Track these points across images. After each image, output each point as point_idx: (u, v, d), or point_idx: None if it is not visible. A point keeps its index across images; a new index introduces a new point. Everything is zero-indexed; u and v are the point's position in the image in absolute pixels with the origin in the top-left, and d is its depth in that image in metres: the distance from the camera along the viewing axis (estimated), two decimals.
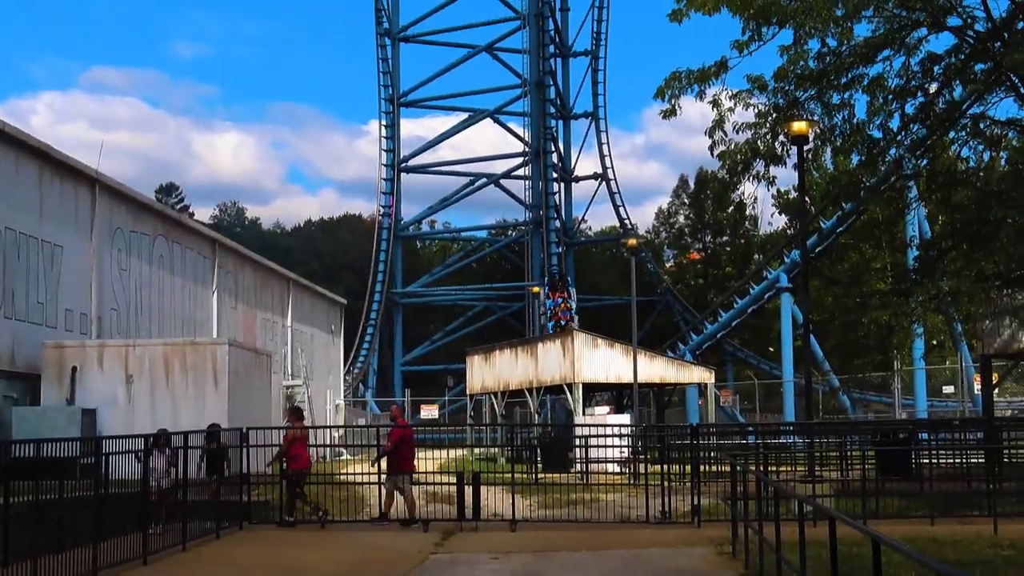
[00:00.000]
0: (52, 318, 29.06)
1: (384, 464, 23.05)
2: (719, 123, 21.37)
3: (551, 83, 72.90)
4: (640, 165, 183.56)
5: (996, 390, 36.26)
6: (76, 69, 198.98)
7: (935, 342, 63.39)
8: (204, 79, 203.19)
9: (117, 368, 27.96)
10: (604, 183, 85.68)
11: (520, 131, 76.94)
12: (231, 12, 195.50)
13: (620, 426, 35.69)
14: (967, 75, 21.15)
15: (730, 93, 21.43)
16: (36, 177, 28.74)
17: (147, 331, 33.94)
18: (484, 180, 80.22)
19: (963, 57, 21.11)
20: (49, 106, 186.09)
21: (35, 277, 28.35)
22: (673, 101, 21.12)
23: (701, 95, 20.99)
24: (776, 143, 22.18)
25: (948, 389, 57.07)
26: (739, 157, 21.60)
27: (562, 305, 60.42)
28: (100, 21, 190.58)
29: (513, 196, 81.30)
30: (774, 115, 21.69)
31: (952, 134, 22.15)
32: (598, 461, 30.29)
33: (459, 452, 37.74)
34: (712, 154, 21.73)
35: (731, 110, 21.25)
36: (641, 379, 41.80)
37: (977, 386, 42.37)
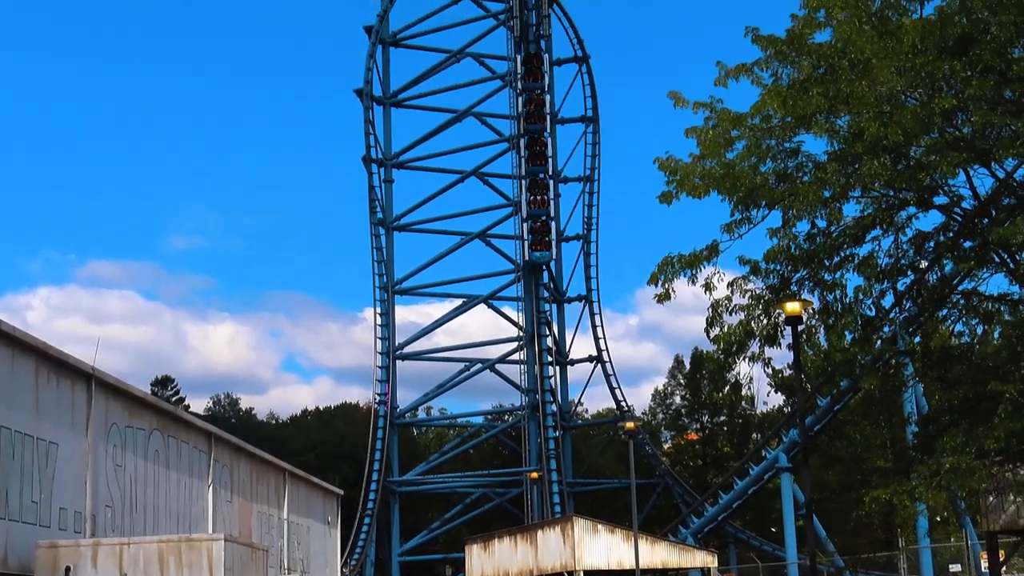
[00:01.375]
0: (46, 517, 28.70)
1: None
2: (714, 308, 21.54)
3: (544, 267, 73.77)
4: (635, 346, 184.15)
5: (1004, 567, 35.67)
6: (73, 263, 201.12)
7: (939, 519, 62.68)
8: (200, 271, 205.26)
9: (111, 567, 27.46)
10: (599, 365, 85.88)
11: (514, 315, 77.55)
12: (227, 206, 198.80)
13: None
14: (956, 252, 21.41)
15: (723, 276, 21.68)
16: (32, 374, 28.72)
17: (142, 528, 33.47)
18: (479, 366, 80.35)
19: (951, 235, 21.42)
20: (45, 301, 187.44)
21: (29, 476, 28.09)
22: (666, 286, 21.35)
23: (693, 279, 21.22)
24: (770, 324, 22.31)
25: (955, 567, 56.19)
26: (734, 339, 21.69)
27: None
28: (97, 216, 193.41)
29: (509, 381, 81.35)
30: (767, 296, 21.87)
31: (944, 311, 22.29)
32: None
33: None
34: (708, 337, 21.84)
35: (728, 298, 21.47)
36: (643, 564, 41.12)
37: (984, 563, 41.71)
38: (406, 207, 69.52)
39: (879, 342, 23.09)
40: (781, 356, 23.21)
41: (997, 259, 20.73)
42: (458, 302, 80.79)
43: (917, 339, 23.45)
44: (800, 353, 25.01)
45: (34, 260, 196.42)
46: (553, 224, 52.76)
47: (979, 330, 22.81)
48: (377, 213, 65.05)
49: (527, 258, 52.12)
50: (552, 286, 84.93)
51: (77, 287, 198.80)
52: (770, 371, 73.48)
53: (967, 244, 21.36)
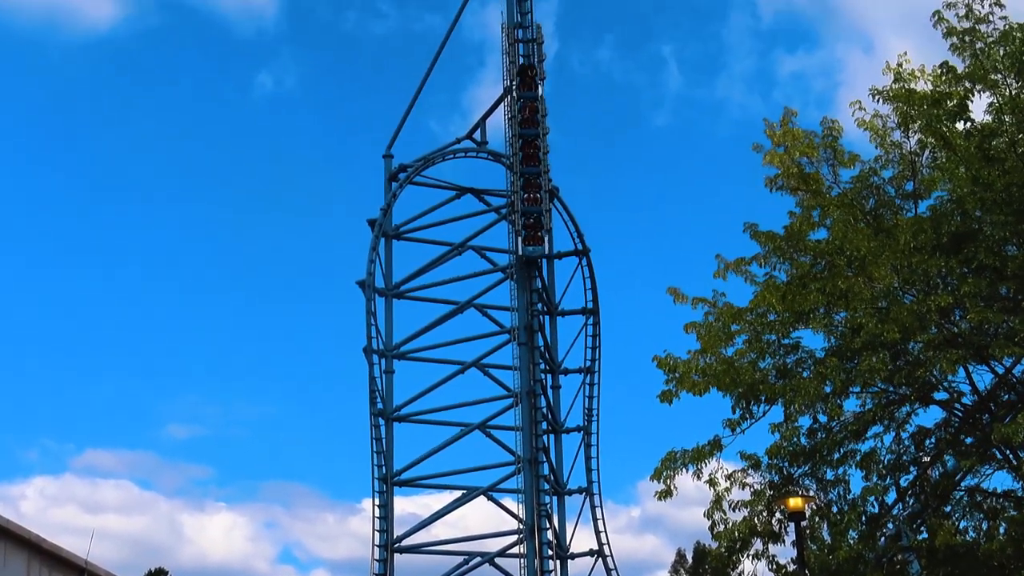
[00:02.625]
0: None
1: None
2: (717, 503, 21.37)
3: (544, 459, 73.11)
4: (637, 538, 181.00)
5: None
6: (70, 452, 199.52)
7: None
8: (197, 460, 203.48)
9: None
10: (600, 559, 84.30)
11: (514, 507, 76.51)
12: (226, 397, 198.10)
13: None
14: (958, 448, 21.33)
15: (725, 471, 21.57)
16: (25, 568, 28.29)
17: None
18: (479, 559, 78.90)
19: (953, 430, 21.39)
20: (40, 491, 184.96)
21: None
22: (668, 482, 21.22)
23: (697, 475, 21.12)
24: (773, 520, 22.08)
25: None
26: (737, 535, 21.45)
27: None
28: (96, 406, 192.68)
29: (508, 575, 79.76)
30: (770, 492, 21.71)
31: (949, 507, 22.08)
32: None
33: None
34: (711, 534, 21.60)
35: (727, 490, 21.32)
36: None
37: None
38: (406, 397, 69.47)
39: (883, 539, 22.79)
40: (785, 551, 22.87)
41: (999, 456, 20.64)
42: (458, 493, 79.88)
43: (922, 535, 23.15)
44: (804, 549, 24.68)
45: (31, 449, 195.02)
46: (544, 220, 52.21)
47: (984, 526, 22.53)
48: (377, 403, 64.90)
49: (520, 253, 51.55)
50: (553, 478, 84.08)
51: (73, 476, 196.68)
52: (774, 567, 72.22)
53: (968, 440, 21.30)
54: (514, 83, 50.59)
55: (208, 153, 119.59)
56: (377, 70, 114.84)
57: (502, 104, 52.23)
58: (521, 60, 50.74)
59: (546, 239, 51.39)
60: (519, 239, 50.33)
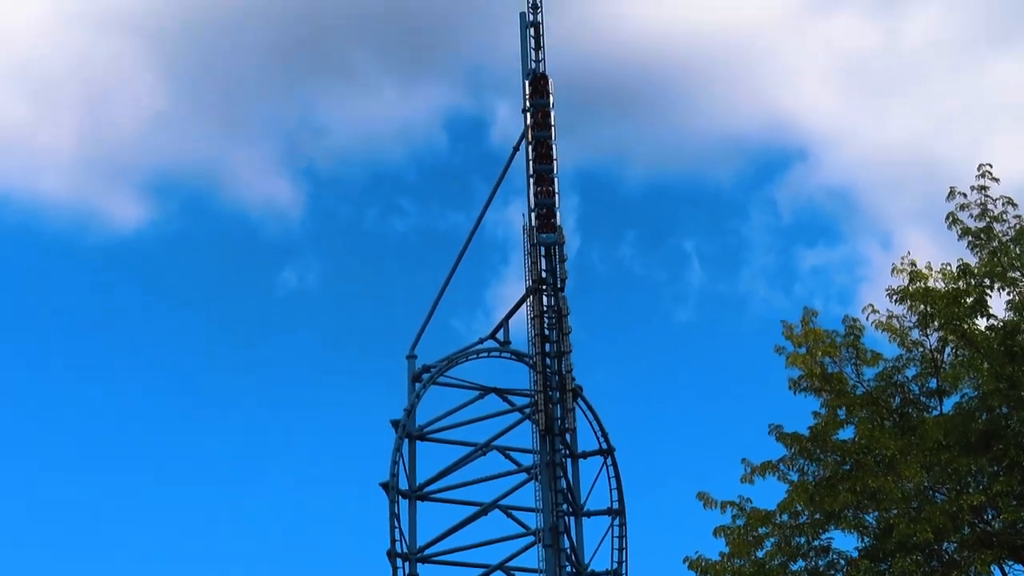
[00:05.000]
0: None
1: None
2: None
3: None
4: None
5: None
6: None
7: None
8: None
9: None
10: None
11: None
12: None
13: None
14: None
15: None
16: None
17: None
18: None
19: None
20: None
21: None
22: None
23: None
24: None
25: None
26: None
27: None
28: None
29: None
30: None
31: None
32: None
33: None
34: None
35: None
36: None
37: None
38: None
39: None
40: None
41: None
42: None
43: None
44: None
45: None
46: (559, 213, 51.98)
47: None
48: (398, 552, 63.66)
49: (535, 242, 50.92)
50: None
51: None
52: None
53: None
54: (538, 287, 51.20)
55: (228, 351, 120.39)
56: (399, 269, 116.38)
57: (524, 304, 52.79)
58: (543, 261, 51.43)
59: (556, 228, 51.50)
60: (532, 227, 50.72)
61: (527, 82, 52.61)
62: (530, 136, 51.85)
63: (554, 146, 51.67)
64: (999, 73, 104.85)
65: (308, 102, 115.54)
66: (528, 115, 52.74)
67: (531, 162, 51.33)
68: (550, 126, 51.65)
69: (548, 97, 51.87)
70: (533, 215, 51.08)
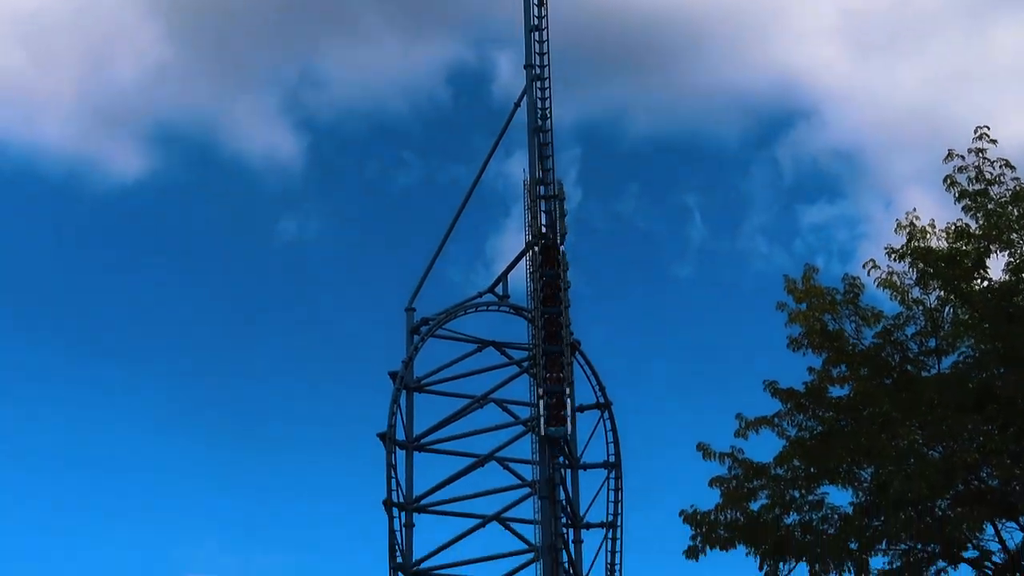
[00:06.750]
0: None
1: None
2: None
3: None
4: None
5: None
6: None
7: None
8: None
9: None
10: None
11: None
12: (244, 547, 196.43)
13: None
14: None
15: None
16: None
17: None
18: None
19: None
20: None
21: None
22: None
23: None
24: None
25: None
26: None
27: None
28: (109, 555, 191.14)
29: None
30: None
31: None
32: None
33: None
34: None
35: None
36: None
37: None
38: (426, 551, 68.68)
39: None
40: None
41: None
42: None
43: None
44: None
45: None
46: (568, 401, 52.04)
47: None
48: (397, 558, 64.25)
49: (543, 434, 51.18)
50: None
51: None
52: None
53: None
54: (536, 243, 51.18)
55: (227, 299, 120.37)
56: (400, 220, 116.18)
57: (524, 259, 52.88)
58: (543, 217, 51.44)
59: (568, 419, 51.54)
60: (542, 420, 50.44)
61: (536, 249, 51.85)
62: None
63: (564, 299, 51.21)
64: (1008, 35, 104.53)
65: (310, 54, 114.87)
66: (529, 72, 52.52)
67: (538, 291, 51.09)
68: (560, 300, 51.11)
69: (558, 267, 51.20)
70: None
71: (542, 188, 52.71)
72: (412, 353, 54.46)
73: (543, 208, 52.05)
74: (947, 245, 20.99)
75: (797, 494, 21.87)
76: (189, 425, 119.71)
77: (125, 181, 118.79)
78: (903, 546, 21.19)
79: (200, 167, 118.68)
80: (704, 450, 22.23)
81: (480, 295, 55.81)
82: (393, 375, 53.90)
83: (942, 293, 21.26)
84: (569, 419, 51.26)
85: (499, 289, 55.52)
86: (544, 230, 51.36)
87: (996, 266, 21.02)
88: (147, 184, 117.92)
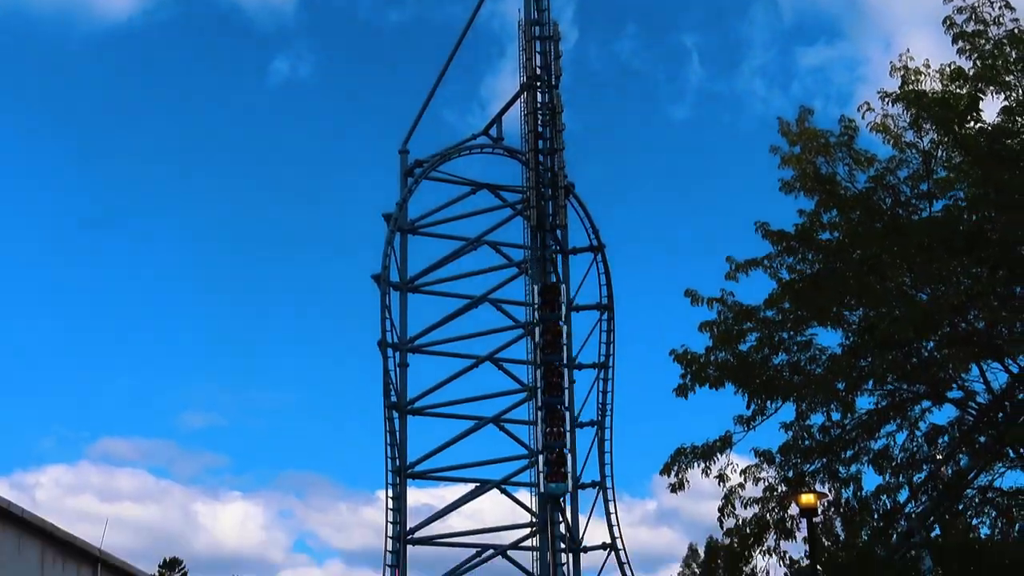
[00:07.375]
0: None
1: None
2: (727, 498, 21.50)
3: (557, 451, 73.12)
4: (653, 531, 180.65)
5: None
6: (84, 440, 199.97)
7: None
8: (213, 449, 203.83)
9: None
10: (613, 552, 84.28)
11: (528, 501, 76.49)
12: (242, 386, 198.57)
13: None
14: (971, 446, 21.40)
15: (736, 467, 21.69)
16: (39, 557, 28.53)
17: None
18: (492, 551, 79.02)
19: (966, 429, 21.44)
20: (55, 480, 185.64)
21: None
22: (680, 475, 21.36)
23: (706, 471, 21.25)
24: (785, 516, 22.18)
25: None
26: (749, 531, 21.57)
27: None
28: (111, 394, 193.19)
29: (521, 568, 79.78)
30: (781, 488, 21.82)
31: (961, 505, 22.13)
32: None
33: None
34: (721, 528, 21.72)
35: (741, 486, 21.43)
36: None
37: None
38: (420, 391, 69.52)
39: (896, 536, 22.85)
40: (797, 547, 22.98)
41: (1013, 455, 20.70)
42: (471, 486, 79.78)
43: (934, 533, 23.19)
44: (816, 545, 24.78)
45: (45, 437, 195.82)
46: (569, 457, 52.90)
47: (999, 524, 22.55)
48: (391, 396, 65.06)
49: (543, 491, 52.38)
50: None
51: (88, 464, 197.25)
52: (786, 563, 72.24)
53: (982, 439, 21.35)
54: (532, 83, 50.55)
55: (221, 142, 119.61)
56: (394, 60, 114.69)
57: (518, 100, 52.29)
58: (537, 57, 50.71)
59: (568, 477, 52.03)
60: (541, 476, 51.18)
61: (536, 289, 50.68)
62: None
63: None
64: None
65: None
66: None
67: (540, 379, 50.42)
68: (561, 346, 50.14)
69: (560, 309, 50.00)
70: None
71: (537, 29, 51.79)
72: (406, 195, 54.25)
73: (538, 49, 51.26)
74: (941, 87, 20.69)
75: (786, 335, 22.02)
76: (185, 265, 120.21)
77: (118, 20, 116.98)
78: (889, 386, 21.44)
79: (191, 5, 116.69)
80: (692, 296, 22.33)
81: (474, 137, 55.29)
82: (387, 217, 53.79)
83: (935, 136, 21.06)
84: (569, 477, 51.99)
85: (493, 131, 55.02)
86: (539, 71, 50.68)
87: (990, 110, 20.80)
88: (137, 23, 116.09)
